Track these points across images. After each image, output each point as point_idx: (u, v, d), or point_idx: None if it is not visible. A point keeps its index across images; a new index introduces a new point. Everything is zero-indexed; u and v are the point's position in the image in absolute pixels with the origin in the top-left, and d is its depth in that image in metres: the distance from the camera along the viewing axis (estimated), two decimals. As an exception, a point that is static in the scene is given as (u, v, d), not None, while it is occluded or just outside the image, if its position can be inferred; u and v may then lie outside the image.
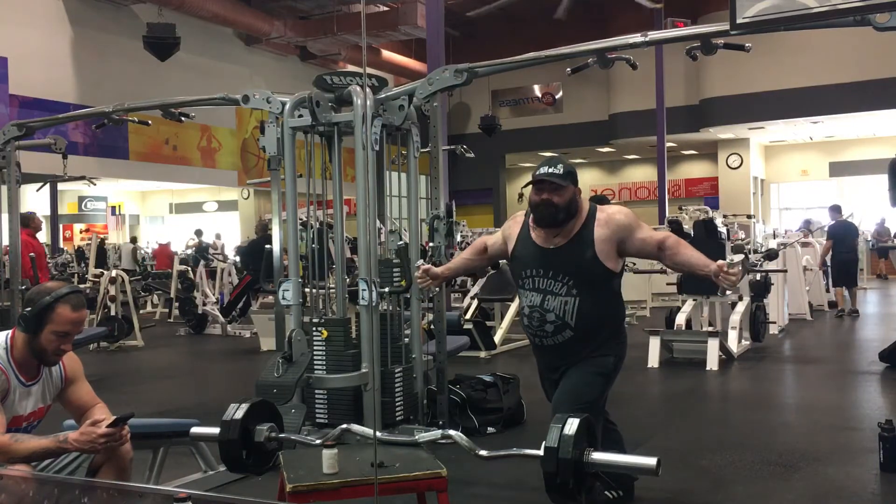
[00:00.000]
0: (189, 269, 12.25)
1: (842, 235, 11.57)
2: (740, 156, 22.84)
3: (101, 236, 13.59)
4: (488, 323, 9.41)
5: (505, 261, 3.73)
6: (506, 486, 4.17)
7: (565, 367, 3.38)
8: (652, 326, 8.47)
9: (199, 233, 17.28)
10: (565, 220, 3.29)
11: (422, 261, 3.39)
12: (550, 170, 3.27)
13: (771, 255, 8.48)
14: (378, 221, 5.05)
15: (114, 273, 9.77)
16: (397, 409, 4.40)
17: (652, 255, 3.37)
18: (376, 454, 2.93)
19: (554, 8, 16.38)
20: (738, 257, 6.81)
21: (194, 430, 3.22)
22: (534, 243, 3.38)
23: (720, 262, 3.07)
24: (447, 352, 4.93)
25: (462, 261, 3.83)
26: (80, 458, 2.91)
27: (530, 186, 3.34)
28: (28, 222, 8.96)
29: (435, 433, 3.05)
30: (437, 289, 4.63)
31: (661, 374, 7.39)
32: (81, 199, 21.14)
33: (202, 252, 15.09)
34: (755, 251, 12.71)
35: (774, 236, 13.96)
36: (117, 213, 21.72)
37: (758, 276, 9.03)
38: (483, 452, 2.79)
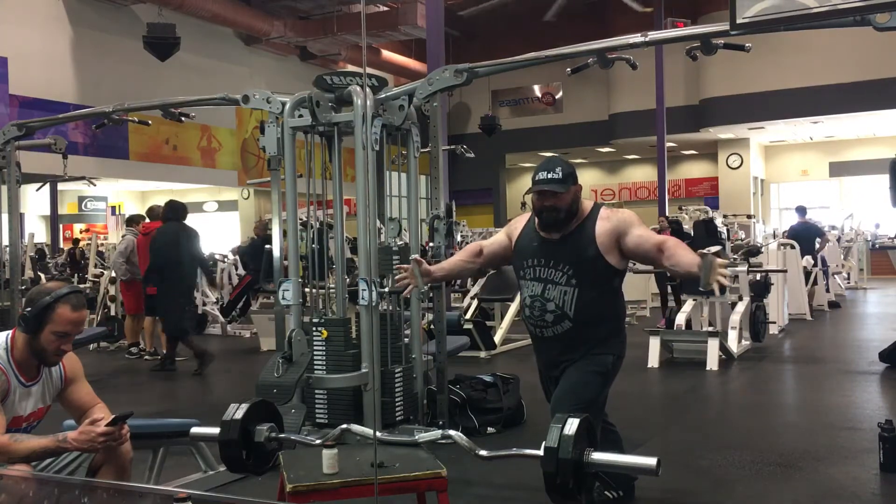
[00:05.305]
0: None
1: (802, 237, 11.96)
2: (740, 156, 22.83)
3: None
4: (488, 323, 9.41)
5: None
6: (506, 486, 4.17)
7: (565, 364, 3.38)
8: (652, 326, 8.47)
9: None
10: (568, 220, 3.33)
11: (416, 255, 3.34)
12: (549, 175, 3.27)
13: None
14: (378, 221, 5.04)
15: (113, 273, 9.75)
16: (397, 409, 4.40)
17: (650, 255, 3.27)
18: (376, 454, 2.93)
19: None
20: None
21: (194, 430, 3.22)
22: (537, 234, 3.41)
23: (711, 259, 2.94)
24: (447, 352, 4.93)
25: (455, 262, 3.67)
26: (80, 458, 2.91)
27: (532, 193, 3.35)
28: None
29: (435, 433, 3.05)
30: (425, 287, 4.16)
31: (661, 374, 7.39)
32: (81, 199, 21.14)
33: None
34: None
35: (774, 236, 13.96)
36: (117, 213, 21.70)
37: (757, 276, 9.02)
38: (483, 452, 2.79)
